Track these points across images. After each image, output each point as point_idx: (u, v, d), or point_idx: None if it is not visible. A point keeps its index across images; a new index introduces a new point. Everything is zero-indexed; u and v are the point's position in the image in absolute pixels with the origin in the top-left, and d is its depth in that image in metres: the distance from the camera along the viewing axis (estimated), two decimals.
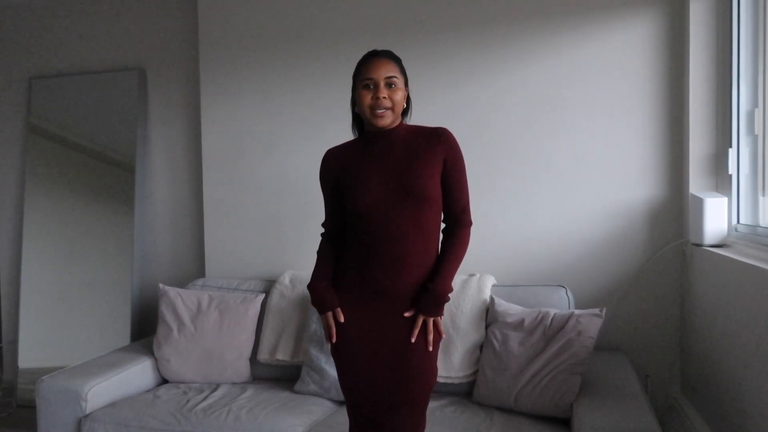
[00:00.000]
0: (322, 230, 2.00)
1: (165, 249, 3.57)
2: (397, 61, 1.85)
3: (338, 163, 1.87)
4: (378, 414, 1.79)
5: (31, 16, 3.76)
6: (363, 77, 1.80)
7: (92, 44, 3.64)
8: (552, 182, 2.84)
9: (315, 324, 2.69)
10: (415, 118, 2.91)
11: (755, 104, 2.28)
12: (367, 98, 1.79)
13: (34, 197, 3.67)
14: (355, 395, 1.83)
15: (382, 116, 1.79)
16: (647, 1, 2.71)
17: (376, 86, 1.78)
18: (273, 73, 3.18)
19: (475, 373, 2.52)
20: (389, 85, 1.79)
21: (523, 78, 2.86)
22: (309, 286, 1.90)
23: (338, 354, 1.85)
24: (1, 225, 3.84)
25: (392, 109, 1.80)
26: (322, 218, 3.04)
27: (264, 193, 3.22)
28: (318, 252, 1.96)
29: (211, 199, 3.31)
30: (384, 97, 1.78)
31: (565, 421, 2.24)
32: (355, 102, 1.86)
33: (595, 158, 2.80)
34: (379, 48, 1.89)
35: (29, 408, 3.36)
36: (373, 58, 1.82)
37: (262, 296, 2.93)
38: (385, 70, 1.79)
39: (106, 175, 3.58)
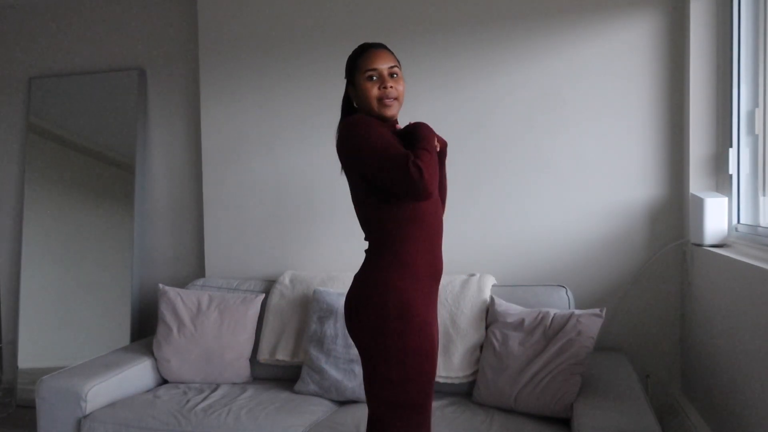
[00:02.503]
0: (404, 163, 1.63)
1: (165, 249, 3.57)
2: (392, 52, 1.85)
3: None
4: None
5: (31, 16, 3.76)
6: (365, 69, 1.77)
7: (92, 44, 3.64)
8: (552, 182, 2.84)
9: (315, 324, 2.69)
10: (415, 118, 2.89)
11: (755, 104, 2.28)
12: (374, 89, 1.76)
13: (34, 197, 3.67)
14: (432, 384, 1.77)
15: (390, 106, 1.77)
16: (647, 1, 2.71)
17: (381, 76, 1.77)
18: (273, 72, 3.18)
19: (475, 373, 2.52)
20: (392, 75, 1.78)
21: (523, 78, 2.86)
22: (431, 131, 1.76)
23: (421, 345, 1.71)
24: (1, 225, 3.84)
25: (397, 99, 1.79)
26: (322, 218, 3.06)
27: (264, 193, 3.22)
28: (430, 149, 1.69)
29: (211, 199, 3.31)
30: (391, 86, 1.76)
31: (566, 421, 2.24)
32: (355, 96, 1.82)
33: (595, 158, 2.80)
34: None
35: (29, 408, 3.36)
36: (371, 49, 1.80)
37: (262, 296, 2.93)
38: (387, 61, 1.78)
39: (106, 175, 3.58)
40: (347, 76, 1.85)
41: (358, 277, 1.79)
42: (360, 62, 1.79)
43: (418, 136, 1.73)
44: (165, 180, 3.56)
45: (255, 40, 3.20)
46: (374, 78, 1.77)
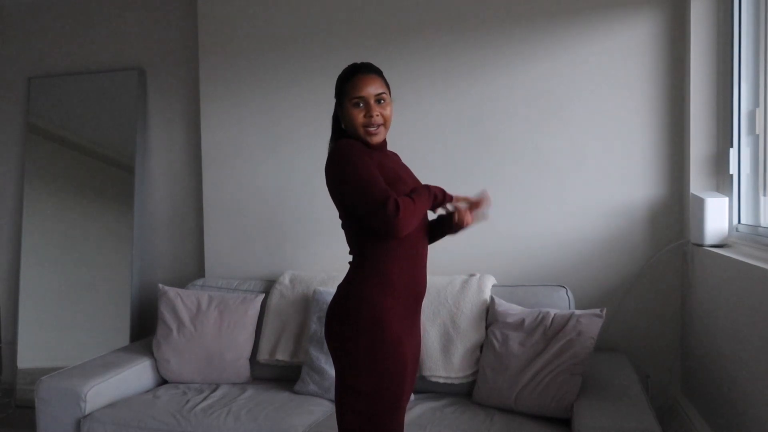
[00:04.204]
0: (387, 202, 1.65)
1: (165, 249, 3.57)
2: (380, 74, 1.84)
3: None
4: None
5: (31, 16, 3.75)
6: (351, 96, 1.77)
7: (92, 44, 3.64)
8: (552, 182, 2.84)
9: (315, 324, 2.69)
10: (415, 119, 2.90)
11: (756, 104, 2.28)
12: (359, 117, 1.77)
13: (34, 197, 3.67)
14: (402, 400, 1.78)
15: (376, 134, 1.78)
16: (647, 1, 2.71)
17: (367, 104, 1.76)
18: (272, 72, 3.17)
19: (476, 373, 2.52)
20: (378, 101, 1.78)
21: (523, 78, 2.85)
22: (428, 186, 1.80)
23: (390, 364, 1.73)
24: (1, 225, 3.83)
25: (384, 125, 1.80)
26: (322, 218, 3.06)
27: (264, 193, 3.22)
28: (416, 199, 1.72)
29: (211, 199, 3.31)
30: (377, 115, 1.77)
31: (566, 421, 2.24)
32: (342, 119, 1.82)
33: (596, 158, 2.79)
34: (359, 60, 1.87)
35: (28, 408, 3.36)
36: (358, 74, 1.79)
37: (262, 296, 2.93)
38: (374, 87, 1.78)
39: (106, 175, 3.58)
40: (336, 97, 1.85)
41: (338, 290, 1.82)
42: (347, 87, 1.79)
43: (419, 189, 1.79)
44: (165, 180, 3.55)
45: (255, 40, 3.19)
46: (360, 105, 1.77)
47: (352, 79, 1.79)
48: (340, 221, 1.87)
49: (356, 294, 1.75)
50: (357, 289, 1.75)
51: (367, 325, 1.71)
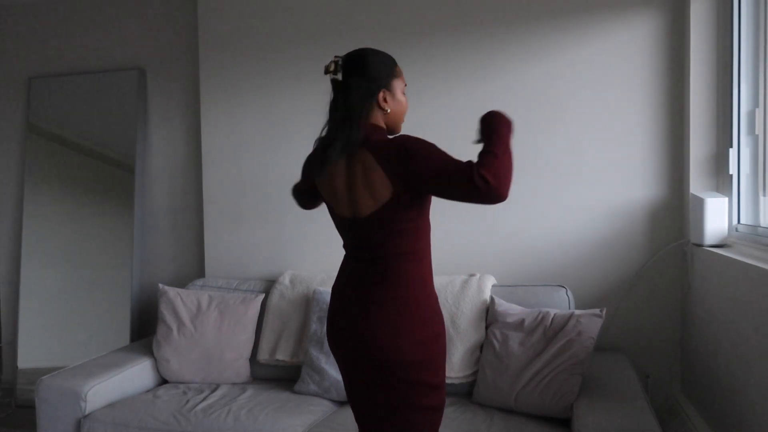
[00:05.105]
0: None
1: (165, 249, 3.57)
2: None
3: None
4: None
5: (31, 16, 3.76)
6: (403, 83, 1.75)
7: (92, 44, 3.64)
8: (552, 182, 2.84)
9: (315, 324, 2.69)
10: (415, 118, 2.90)
11: (756, 104, 2.28)
12: (407, 106, 1.77)
13: (34, 197, 3.67)
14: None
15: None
16: (647, 1, 2.71)
17: (403, 93, 1.76)
18: (272, 72, 3.18)
19: (476, 373, 2.52)
20: None
21: (522, 78, 2.86)
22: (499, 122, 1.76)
23: (444, 348, 1.74)
24: (1, 225, 3.83)
25: None
26: (322, 218, 3.04)
27: (264, 193, 3.22)
28: (501, 152, 1.74)
29: (211, 199, 3.31)
30: None
31: (566, 422, 2.24)
32: (388, 103, 1.70)
33: (596, 158, 2.80)
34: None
35: (29, 408, 3.36)
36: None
37: (262, 296, 2.93)
38: None
39: (106, 175, 3.58)
40: (381, 79, 1.70)
41: (394, 295, 1.65)
42: (398, 72, 1.75)
43: (491, 132, 1.69)
44: (165, 180, 3.55)
45: (255, 40, 3.19)
46: (404, 92, 1.76)
47: (398, 68, 1.76)
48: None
49: (421, 295, 1.67)
50: (420, 288, 1.68)
51: (436, 318, 1.71)
